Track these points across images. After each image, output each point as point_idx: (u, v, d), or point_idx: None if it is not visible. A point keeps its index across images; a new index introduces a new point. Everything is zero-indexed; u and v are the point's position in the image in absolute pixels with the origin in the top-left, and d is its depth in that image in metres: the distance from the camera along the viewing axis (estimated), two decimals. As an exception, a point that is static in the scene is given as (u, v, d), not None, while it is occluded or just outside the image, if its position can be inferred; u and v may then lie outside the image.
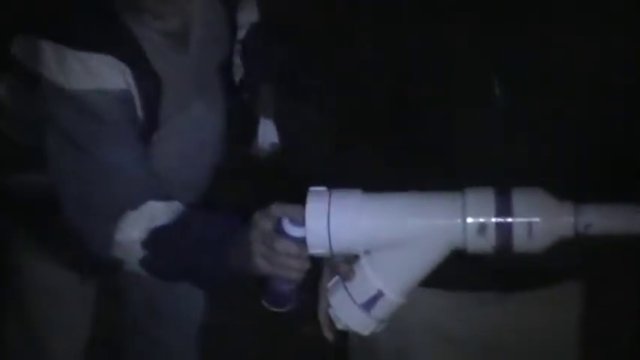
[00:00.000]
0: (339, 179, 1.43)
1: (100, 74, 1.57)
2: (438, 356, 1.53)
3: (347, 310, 1.37)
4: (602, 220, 1.28)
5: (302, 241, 1.34)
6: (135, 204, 1.54)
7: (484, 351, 1.53)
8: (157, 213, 1.53)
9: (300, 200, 1.33)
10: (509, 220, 1.27)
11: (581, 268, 1.53)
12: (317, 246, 1.34)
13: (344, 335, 1.45)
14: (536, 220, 1.27)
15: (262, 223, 1.37)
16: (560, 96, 1.41)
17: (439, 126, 1.42)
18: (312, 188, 1.36)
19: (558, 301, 1.54)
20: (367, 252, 1.35)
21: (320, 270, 1.49)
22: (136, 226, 1.53)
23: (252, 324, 2.63)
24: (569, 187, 1.40)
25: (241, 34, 1.91)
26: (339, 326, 1.39)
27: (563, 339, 1.57)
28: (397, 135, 1.45)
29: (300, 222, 1.33)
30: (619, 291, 2.57)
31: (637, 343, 2.50)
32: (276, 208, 1.36)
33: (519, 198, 1.28)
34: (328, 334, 1.45)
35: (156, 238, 1.52)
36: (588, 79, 1.41)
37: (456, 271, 1.35)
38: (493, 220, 1.28)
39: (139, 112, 1.64)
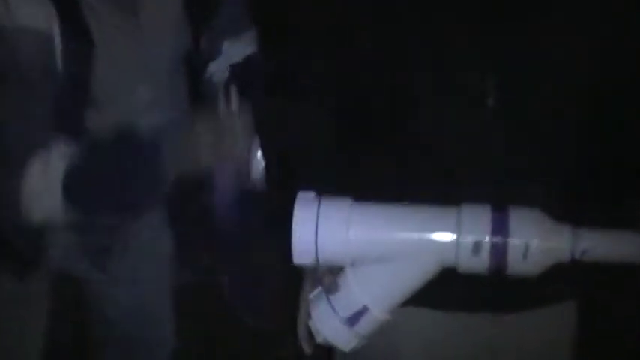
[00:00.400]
0: (337, 180, 1.40)
1: (20, 8, 1.50)
2: None
3: (329, 323, 1.31)
4: (599, 246, 1.25)
5: None
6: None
7: None
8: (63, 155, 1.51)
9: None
10: (505, 240, 1.23)
11: (576, 289, 1.49)
12: (303, 255, 1.28)
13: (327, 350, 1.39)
14: (533, 242, 1.23)
15: None
16: (558, 96, 1.39)
17: (437, 126, 1.39)
18: (300, 193, 1.30)
19: (552, 321, 1.50)
20: (354, 264, 1.30)
21: (300, 279, 1.43)
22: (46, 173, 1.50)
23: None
24: (567, 188, 1.40)
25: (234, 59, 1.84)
26: (319, 340, 1.34)
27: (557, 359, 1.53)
28: (396, 135, 1.41)
29: None
30: (613, 313, 2.56)
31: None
32: None
33: (516, 218, 1.24)
34: (306, 348, 1.39)
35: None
36: (586, 78, 1.39)
37: (448, 290, 1.31)
38: (488, 239, 1.23)
39: (59, 65, 1.56)
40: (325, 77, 1.43)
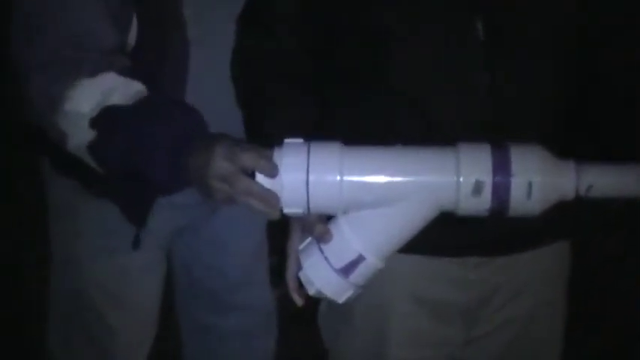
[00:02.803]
0: (316, 130, 1.33)
1: None
2: (416, 322, 1.43)
3: (322, 275, 1.25)
4: (604, 181, 1.20)
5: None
6: (93, 70, 1.35)
7: (465, 315, 1.44)
8: (115, 89, 1.35)
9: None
10: (508, 178, 1.17)
11: (565, 229, 1.44)
12: (293, 204, 1.21)
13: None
14: (537, 180, 1.17)
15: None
16: (547, 34, 1.33)
17: (418, 69, 1.32)
18: (287, 140, 1.23)
19: (542, 263, 1.45)
20: (346, 211, 1.23)
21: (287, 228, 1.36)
22: (88, 98, 1.34)
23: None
24: (561, 130, 1.36)
25: None
26: (312, 292, 1.27)
27: (548, 302, 1.49)
28: (375, 80, 1.34)
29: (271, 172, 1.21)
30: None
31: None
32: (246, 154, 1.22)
33: (518, 155, 1.18)
34: (297, 300, 1.32)
35: (108, 118, 1.33)
36: (576, 15, 1.34)
37: (436, 236, 1.25)
38: (489, 178, 1.17)
39: None
40: (300, 20, 1.36)
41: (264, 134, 1.34)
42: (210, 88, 1.48)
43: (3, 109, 2.50)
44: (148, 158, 1.29)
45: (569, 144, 1.35)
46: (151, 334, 1.79)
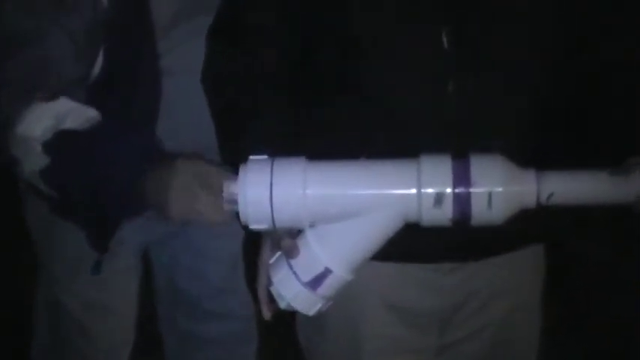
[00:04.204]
0: (288, 137, 1.34)
1: None
2: (390, 329, 1.44)
3: (291, 289, 1.26)
4: (565, 189, 1.21)
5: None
6: (49, 96, 1.35)
7: (438, 322, 1.45)
8: (68, 114, 1.35)
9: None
10: (468, 189, 1.18)
11: (539, 232, 1.44)
12: (258, 220, 1.22)
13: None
14: (497, 190, 1.18)
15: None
16: (516, 41, 1.33)
17: (390, 79, 1.33)
18: (251, 157, 1.24)
19: (516, 268, 1.46)
20: (312, 225, 1.24)
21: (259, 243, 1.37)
22: (39, 122, 1.34)
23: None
24: (528, 134, 1.36)
25: None
26: (282, 305, 1.29)
27: (523, 308, 1.50)
28: (349, 90, 1.36)
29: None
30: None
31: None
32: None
33: (478, 166, 1.19)
34: (266, 314, 1.34)
35: (62, 143, 1.33)
36: (544, 22, 1.34)
37: (408, 243, 1.26)
38: (449, 190, 1.18)
39: None
40: (274, 32, 1.37)
41: (239, 149, 1.35)
42: (185, 116, 1.50)
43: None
44: (104, 182, 1.30)
45: (545, 149, 1.36)
46: (130, 338, 1.81)
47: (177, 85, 1.52)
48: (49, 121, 1.35)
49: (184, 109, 1.51)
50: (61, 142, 1.34)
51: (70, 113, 1.36)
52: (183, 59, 1.51)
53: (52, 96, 1.36)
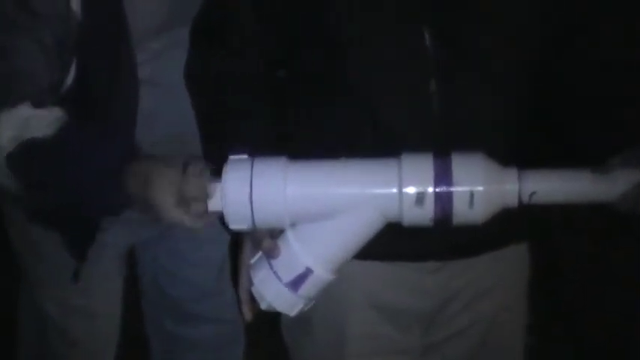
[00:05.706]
0: (272, 138, 1.34)
1: None
2: (374, 328, 1.43)
3: (272, 289, 1.25)
4: (547, 187, 1.20)
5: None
6: (13, 100, 1.30)
7: (423, 321, 1.45)
8: (30, 119, 1.30)
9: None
10: (449, 188, 1.17)
11: (521, 232, 1.44)
12: (238, 220, 1.21)
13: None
14: (479, 189, 1.17)
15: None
16: (498, 40, 1.32)
17: (373, 78, 1.32)
18: (231, 156, 1.23)
19: (500, 267, 1.45)
20: (293, 225, 1.23)
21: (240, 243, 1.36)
22: (5, 130, 1.29)
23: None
24: (510, 133, 1.35)
25: None
26: (263, 306, 1.28)
27: (508, 307, 1.49)
28: (334, 90, 1.35)
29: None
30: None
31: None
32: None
33: (460, 165, 1.18)
34: (247, 314, 1.33)
35: (26, 154, 1.28)
36: (523, 29, 1.33)
37: (392, 242, 1.25)
38: (431, 189, 1.17)
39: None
40: (257, 32, 1.36)
41: (222, 149, 1.34)
42: (164, 125, 1.49)
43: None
44: (78, 184, 1.28)
45: (527, 148, 1.35)
46: (114, 340, 1.80)
47: (161, 96, 1.51)
48: (11, 132, 1.30)
49: (167, 120, 1.50)
50: (25, 154, 1.29)
51: (31, 120, 1.31)
52: (166, 70, 1.50)
53: (12, 104, 1.31)
